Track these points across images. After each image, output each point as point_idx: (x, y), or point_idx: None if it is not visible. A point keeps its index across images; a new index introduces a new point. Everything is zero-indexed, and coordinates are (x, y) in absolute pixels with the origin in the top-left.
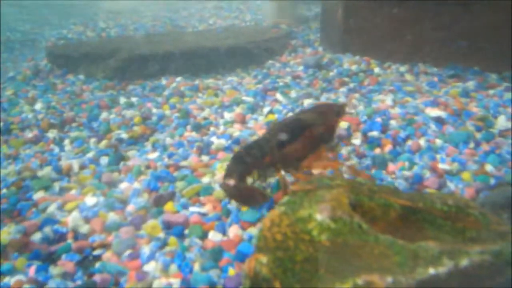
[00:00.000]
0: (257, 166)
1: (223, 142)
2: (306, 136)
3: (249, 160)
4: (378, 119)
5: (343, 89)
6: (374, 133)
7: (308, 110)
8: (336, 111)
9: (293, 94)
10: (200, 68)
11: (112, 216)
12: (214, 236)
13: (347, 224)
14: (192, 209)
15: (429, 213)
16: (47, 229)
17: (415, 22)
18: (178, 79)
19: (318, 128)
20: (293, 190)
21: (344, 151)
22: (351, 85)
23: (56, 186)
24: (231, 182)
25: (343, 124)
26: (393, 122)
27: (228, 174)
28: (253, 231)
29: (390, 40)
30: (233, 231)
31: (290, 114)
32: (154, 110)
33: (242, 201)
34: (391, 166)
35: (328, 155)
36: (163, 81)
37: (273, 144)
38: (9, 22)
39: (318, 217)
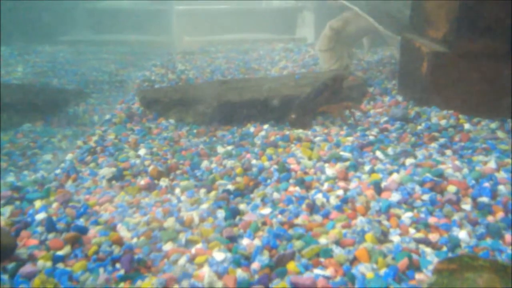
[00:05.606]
0: (310, 107)
1: (332, 201)
2: (329, 91)
3: (304, 104)
4: (486, 184)
5: (434, 145)
6: (484, 199)
7: (327, 78)
8: (340, 77)
9: (390, 151)
10: (282, 115)
11: (241, 273)
12: None
13: None
14: (316, 271)
15: None
16: (185, 283)
17: (504, 78)
18: (266, 127)
19: (333, 87)
20: (438, 269)
21: (456, 216)
22: (441, 140)
23: (182, 238)
24: (294, 115)
25: (450, 188)
26: (501, 188)
27: (293, 112)
28: None
29: (478, 95)
30: None
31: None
32: (254, 161)
33: (299, 126)
34: (508, 236)
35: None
36: (251, 129)
37: (315, 96)
38: (89, 60)
39: None
